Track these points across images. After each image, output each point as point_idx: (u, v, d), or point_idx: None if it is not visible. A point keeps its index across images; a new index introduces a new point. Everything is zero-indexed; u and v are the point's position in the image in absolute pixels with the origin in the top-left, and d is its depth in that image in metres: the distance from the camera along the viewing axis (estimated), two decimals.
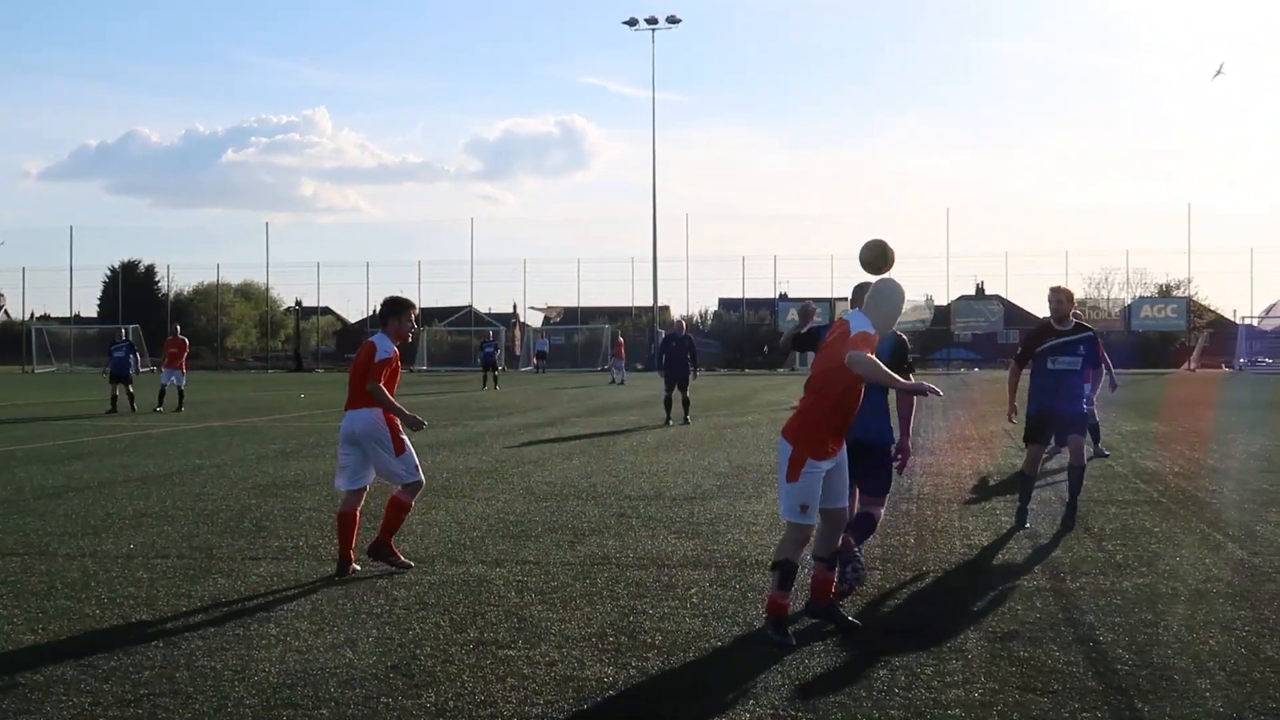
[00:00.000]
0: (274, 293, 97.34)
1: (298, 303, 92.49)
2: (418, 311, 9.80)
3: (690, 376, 24.86)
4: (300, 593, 8.40)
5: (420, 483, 9.41)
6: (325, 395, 39.15)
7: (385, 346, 9.23)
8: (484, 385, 44.12)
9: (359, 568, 9.10)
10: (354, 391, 9.29)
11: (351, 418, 9.24)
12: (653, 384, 39.71)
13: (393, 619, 7.60)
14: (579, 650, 6.84)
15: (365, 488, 9.31)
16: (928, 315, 76.25)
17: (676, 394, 24.68)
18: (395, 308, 9.48)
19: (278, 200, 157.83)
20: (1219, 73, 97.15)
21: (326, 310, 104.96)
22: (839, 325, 7.33)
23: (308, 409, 31.30)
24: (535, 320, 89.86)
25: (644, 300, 79.45)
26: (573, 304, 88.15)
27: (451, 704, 5.88)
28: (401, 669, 6.48)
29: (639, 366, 69.35)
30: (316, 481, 14.59)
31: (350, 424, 9.24)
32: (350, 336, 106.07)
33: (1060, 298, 11.02)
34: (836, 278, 77.20)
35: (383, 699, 5.96)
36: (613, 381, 49.83)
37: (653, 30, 71.55)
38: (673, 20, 71.45)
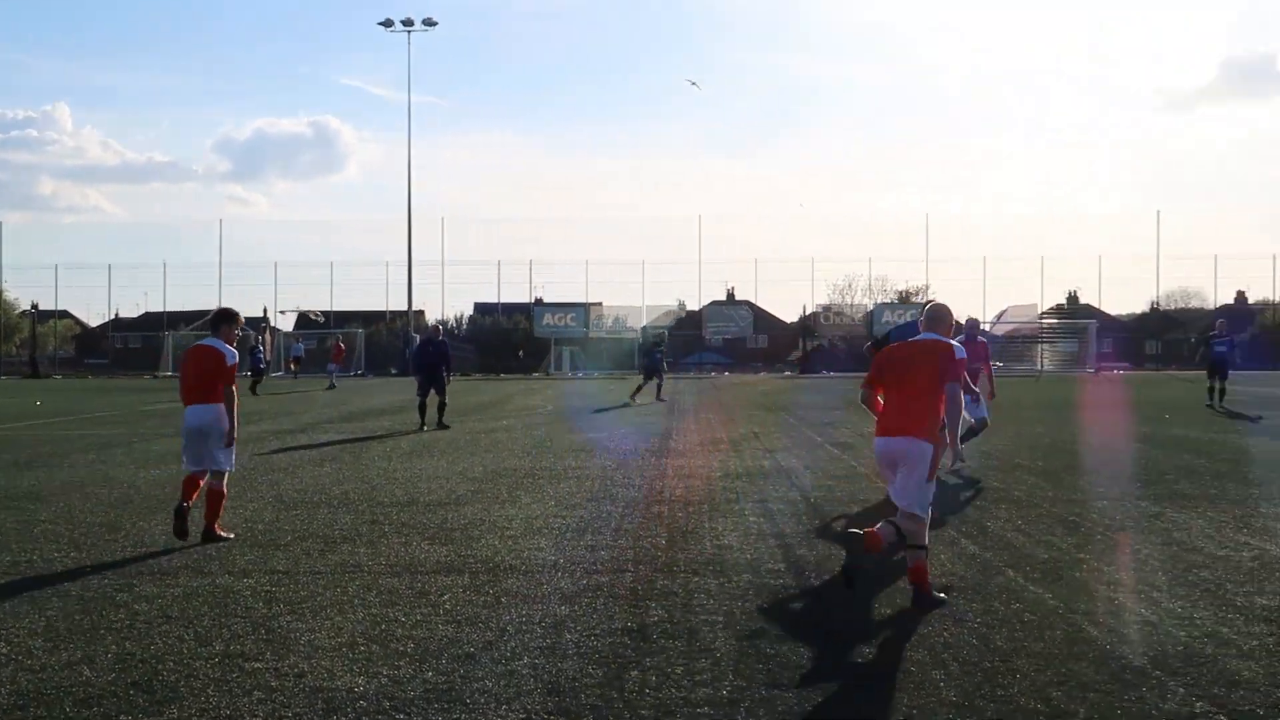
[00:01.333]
0: (9, 295, 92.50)
1: (34, 306, 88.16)
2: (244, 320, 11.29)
3: (445, 381, 24.70)
4: (34, 609, 8.04)
5: (231, 470, 10.95)
6: (63, 403, 37.54)
7: (231, 352, 10.72)
8: (254, 391, 42.73)
9: (189, 506, 10.44)
10: (198, 389, 10.64)
11: (197, 412, 10.60)
12: (406, 388, 39.28)
13: (133, 634, 7.36)
14: (329, 660, 6.75)
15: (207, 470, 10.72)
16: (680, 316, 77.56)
17: (431, 398, 24.50)
18: (228, 316, 11.00)
19: (14, 199, 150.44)
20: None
21: (65, 314, 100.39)
22: (936, 343, 8.55)
23: (45, 417, 29.93)
24: (286, 324, 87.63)
25: (399, 304, 78.52)
26: (326, 308, 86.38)
27: (195, 719, 5.73)
28: (142, 685, 6.28)
29: (393, 371, 68.49)
30: (53, 493, 13.99)
31: (197, 417, 10.61)
32: (91, 341, 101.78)
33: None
34: (592, 283, 77.90)
35: (122, 717, 5.77)
36: (330, 386, 48.71)
37: (409, 32, 70.74)
38: (429, 23, 70.70)
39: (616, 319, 77.77)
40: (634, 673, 6.51)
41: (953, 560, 9.66)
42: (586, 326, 74.69)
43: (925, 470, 8.08)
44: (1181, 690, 6.16)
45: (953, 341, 8.72)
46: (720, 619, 7.70)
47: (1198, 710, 5.86)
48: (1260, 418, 26.14)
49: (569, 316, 75.07)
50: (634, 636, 7.26)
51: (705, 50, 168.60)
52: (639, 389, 35.07)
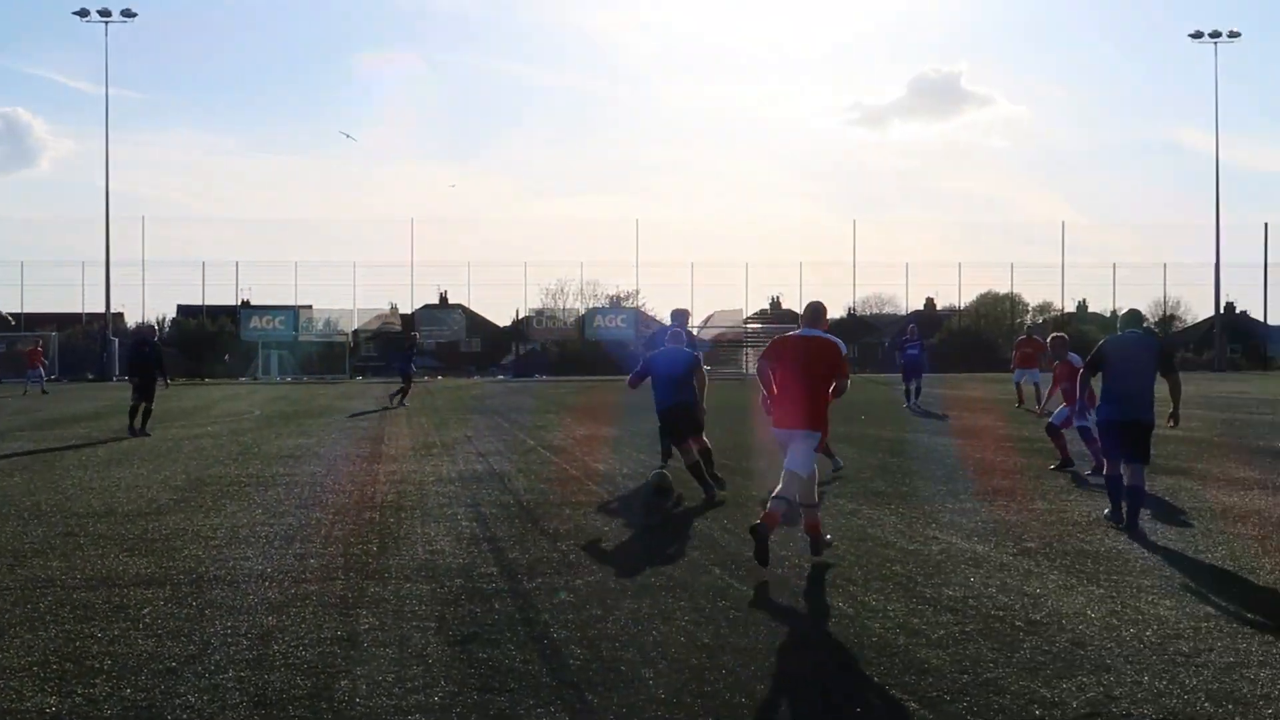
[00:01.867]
0: None
1: None
2: None
3: (161, 385, 23.90)
4: None
5: None
6: None
7: None
8: None
9: None
10: None
11: None
12: (103, 394, 37.78)
13: None
14: (18, 681, 6.42)
15: None
16: (395, 322, 76.67)
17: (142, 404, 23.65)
18: None
19: None
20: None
21: None
22: (827, 343, 9.74)
23: None
24: None
25: (96, 306, 75.09)
26: (16, 310, 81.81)
27: None
28: None
29: (89, 376, 65.48)
30: None
31: None
32: None
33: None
34: (301, 285, 76.20)
35: None
36: (25, 392, 46.34)
37: (106, 23, 67.65)
38: (128, 14, 67.73)
39: (327, 322, 76.28)
40: (344, 682, 6.42)
41: (661, 560, 9.87)
42: (296, 330, 72.96)
43: (812, 445, 9.67)
44: (876, 679, 6.47)
45: (837, 340, 9.82)
46: (433, 625, 7.68)
47: (891, 698, 6.17)
48: (947, 417, 27.61)
49: (277, 319, 73.18)
50: (344, 645, 7.16)
51: (415, 50, 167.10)
52: (399, 392, 34.48)
